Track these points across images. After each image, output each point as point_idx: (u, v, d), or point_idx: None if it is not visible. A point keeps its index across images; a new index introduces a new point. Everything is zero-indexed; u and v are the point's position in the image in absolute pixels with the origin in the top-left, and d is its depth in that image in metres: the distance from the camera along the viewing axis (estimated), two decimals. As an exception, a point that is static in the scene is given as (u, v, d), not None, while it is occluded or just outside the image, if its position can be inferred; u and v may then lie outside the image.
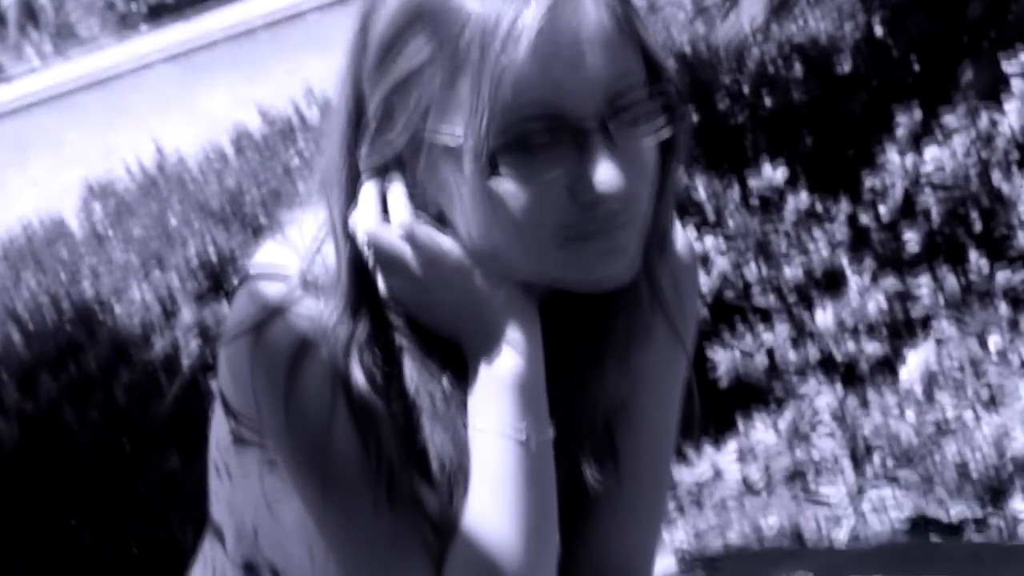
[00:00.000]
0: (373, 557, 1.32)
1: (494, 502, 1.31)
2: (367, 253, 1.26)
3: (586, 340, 1.32)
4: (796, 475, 2.57)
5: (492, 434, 1.30)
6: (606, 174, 1.18)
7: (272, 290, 1.27)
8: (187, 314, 3.01)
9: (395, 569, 1.32)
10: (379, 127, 1.22)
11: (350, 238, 1.25)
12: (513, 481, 1.31)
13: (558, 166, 1.18)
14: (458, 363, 1.30)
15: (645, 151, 1.22)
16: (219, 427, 1.40)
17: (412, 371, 1.29)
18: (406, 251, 1.25)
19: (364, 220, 1.25)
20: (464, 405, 1.30)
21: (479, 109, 1.16)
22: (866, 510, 2.37)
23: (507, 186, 1.19)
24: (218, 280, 3.13)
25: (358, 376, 1.26)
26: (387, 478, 1.29)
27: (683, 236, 1.43)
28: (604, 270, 1.22)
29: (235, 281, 3.10)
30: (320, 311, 1.25)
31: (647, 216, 1.25)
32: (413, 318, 1.28)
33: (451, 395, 1.30)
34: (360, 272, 1.26)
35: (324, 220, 1.28)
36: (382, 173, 1.25)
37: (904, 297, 2.89)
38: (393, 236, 1.24)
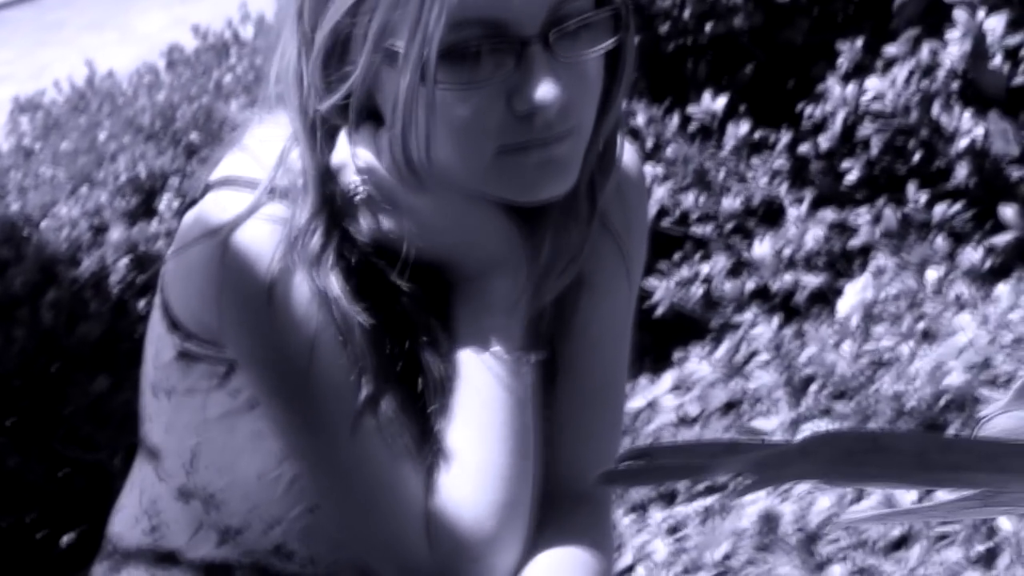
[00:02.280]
0: (359, 475, 1.29)
1: (481, 424, 1.30)
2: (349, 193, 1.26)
3: (528, 254, 1.31)
4: (731, 407, 2.57)
5: (480, 354, 1.30)
6: (544, 86, 1.17)
7: (240, 198, 1.26)
8: (116, 233, 2.94)
9: (381, 487, 1.30)
10: (330, 54, 1.21)
11: (317, 152, 1.25)
12: (500, 402, 1.30)
13: (497, 76, 1.18)
14: (424, 282, 1.29)
15: (588, 65, 1.21)
16: (158, 345, 1.37)
17: (384, 286, 1.27)
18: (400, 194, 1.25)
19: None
20: (436, 325, 1.30)
21: (422, 19, 1.14)
22: (802, 442, 2.36)
23: (447, 96, 1.18)
24: (148, 198, 3.07)
25: (335, 284, 1.25)
26: (371, 391, 1.27)
27: (633, 155, 1.44)
28: (541, 183, 1.23)
29: (164, 199, 3.05)
30: (290, 217, 1.24)
31: (589, 131, 1.24)
32: (379, 241, 1.27)
33: (423, 314, 1.30)
34: (327, 186, 1.25)
35: (287, 133, 1.26)
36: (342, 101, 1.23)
37: (842, 229, 2.88)
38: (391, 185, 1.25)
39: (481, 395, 1.30)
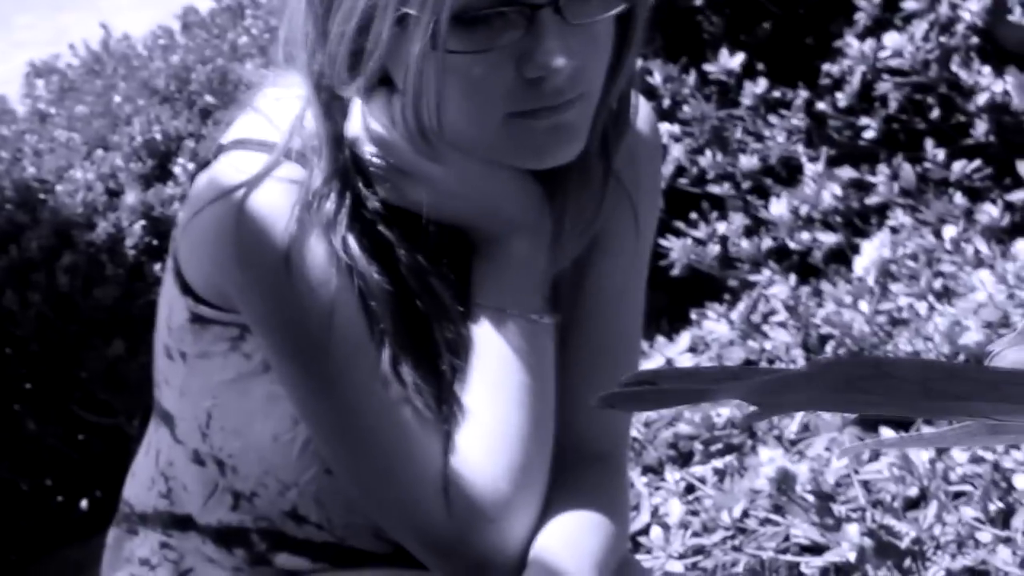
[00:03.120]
0: (376, 439, 1.29)
1: (498, 385, 1.30)
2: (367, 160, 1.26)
3: (549, 216, 1.31)
4: (748, 366, 2.56)
5: (500, 316, 1.30)
6: (553, 51, 1.17)
7: (254, 159, 1.26)
8: (131, 197, 2.94)
9: (398, 451, 1.29)
10: (345, 21, 1.20)
11: (330, 116, 1.25)
12: (519, 364, 1.30)
13: (507, 41, 1.17)
14: (442, 246, 1.30)
15: (598, 28, 1.20)
16: (172, 308, 1.37)
17: (399, 249, 1.28)
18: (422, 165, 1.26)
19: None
20: (453, 288, 1.30)
21: None
22: (818, 401, 2.35)
23: (458, 61, 1.17)
24: (163, 161, 3.07)
25: (352, 246, 1.25)
26: (389, 354, 1.27)
27: (648, 113, 1.44)
28: (550, 148, 1.23)
29: (180, 162, 3.03)
30: (305, 179, 1.24)
31: (598, 96, 1.24)
32: (393, 205, 1.27)
33: (441, 274, 1.30)
34: (340, 151, 1.25)
35: (303, 95, 1.26)
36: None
37: (860, 186, 2.87)
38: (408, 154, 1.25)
39: (500, 357, 1.30)
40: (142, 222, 2.93)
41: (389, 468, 1.30)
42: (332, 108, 1.26)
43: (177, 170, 3.02)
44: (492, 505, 1.29)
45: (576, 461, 1.35)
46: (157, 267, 2.87)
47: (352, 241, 1.25)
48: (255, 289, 1.28)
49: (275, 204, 1.25)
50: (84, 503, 2.92)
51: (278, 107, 1.29)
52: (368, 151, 1.28)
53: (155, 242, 2.90)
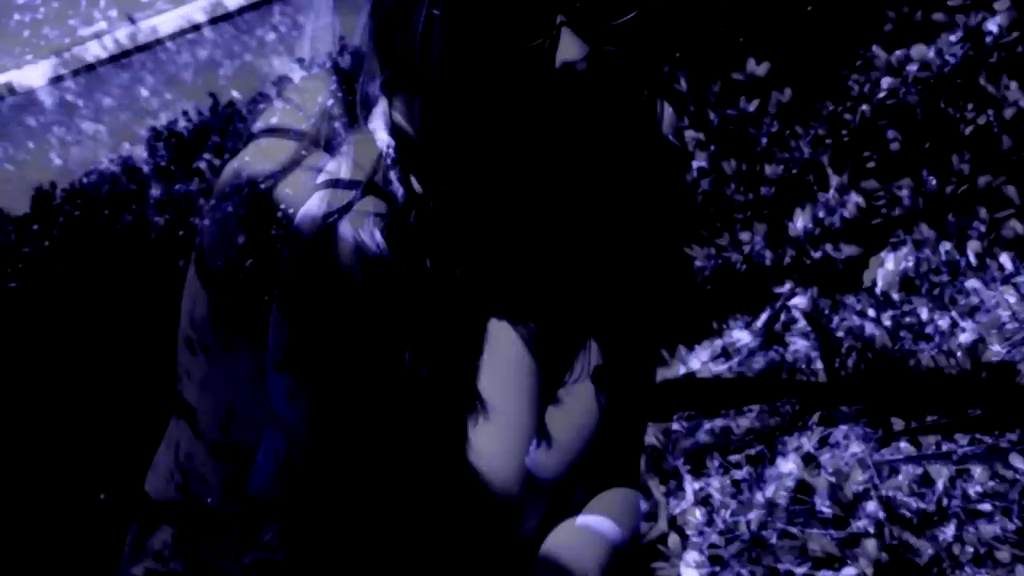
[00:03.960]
0: (389, 427, 1.31)
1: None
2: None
3: None
4: (769, 375, 2.56)
5: (619, 353, 1.35)
6: (573, 50, 1.20)
7: (282, 146, 1.28)
8: (157, 190, 2.95)
9: (413, 440, 1.31)
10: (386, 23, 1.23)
11: (356, 110, 1.27)
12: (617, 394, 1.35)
13: (531, 41, 1.20)
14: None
15: (614, 29, 1.23)
16: (195, 300, 1.38)
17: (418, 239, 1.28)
18: None
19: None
20: (468, 281, 1.31)
21: None
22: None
23: (484, 61, 1.20)
24: (189, 154, 3.08)
25: (375, 235, 1.26)
26: (406, 342, 1.28)
27: (671, 117, 1.46)
28: None
29: (207, 157, 3.03)
30: (333, 166, 1.26)
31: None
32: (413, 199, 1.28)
33: (456, 269, 1.31)
34: (365, 144, 1.27)
35: (330, 88, 1.28)
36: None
37: (884, 198, 2.86)
38: None
39: (597, 395, 1.34)
40: (166, 215, 2.94)
41: (406, 458, 1.32)
42: (357, 102, 1.28)
43: (203, 165, 3.03)
44: (500, 503, 1.31)
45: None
46: (181, 261, 2.88)
47: (374, 231, 1.26)
48: (281, 275, 1.29)
49: (300, 193, 1.27)
50: (103, 495, 2.94)
51: (306, 96, 1.31)
52: (386, 142, 1.28)
53: (180, 233, 2.91)
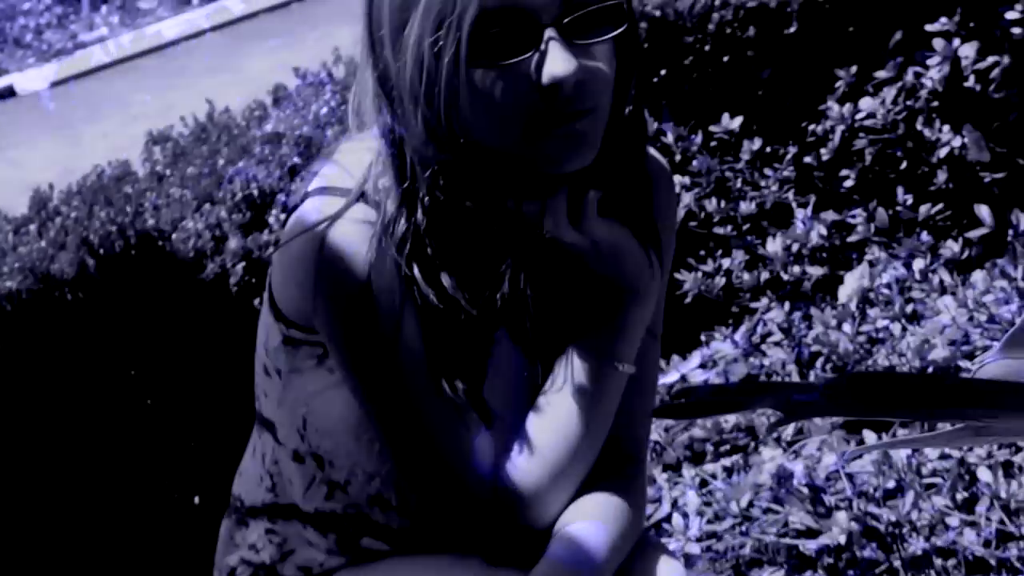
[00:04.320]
0: (432, 437, 1.28)
1: (569, 420, 1.28)
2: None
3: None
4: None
5: (596, 360, 1.29)
6: (561, 61, 1.17)
7: (333, 202, 1.26)
8: (234, 242, 2.96)
9: (452, 447, 1.28)
10: (414, 81, 1.19)
11: (398, 163, 1.23)
12: (593, 403, 1.29)
13: (521, 55, 1.17)
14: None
15: (599, 50, 1.20)
16: (268, 332, 1.36)
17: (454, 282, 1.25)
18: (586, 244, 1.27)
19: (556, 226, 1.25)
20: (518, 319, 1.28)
21: (455, 10, 1.15)
22: (810, 408, 2.34)
23: (481, 77, 1.18)
24: (259, 212, 3.08)
25: (417, 274, 1.23)
26: (445, 373, 1.25)
27: (664, 166, 1.41)
28: (565, 154, 1.21)
29: (273, 213, 3.03)
30: (377, 217, 1.23)
31: (607, 112, 1.22)
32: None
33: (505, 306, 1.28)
34: (409, 193, 1.23)
35: (374, 147, 1.25)
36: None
37: (842, 227, 2.86)
38: (575, 237, 1.26)
39: (579, 396, 1.28)
40: (243, 263, 2.94)
41: (441, 463, 1.28)
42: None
43: (271, 220, 3.03)
44: (531, 508, 1.28)
45: (608, 460, 1.35)
46: (256, 301, 2.88)
47: (417, 271, 1.24)
48: (331, 312, 1.27)
49: (349, 239, 1.25)
50: (196, 499, 2.93)
51: (353, 159, 1.29)
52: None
53: (253, 280, 2.92)
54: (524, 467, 1.28)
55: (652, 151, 1.40)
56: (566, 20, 1.17)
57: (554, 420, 1.28)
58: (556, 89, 1.18)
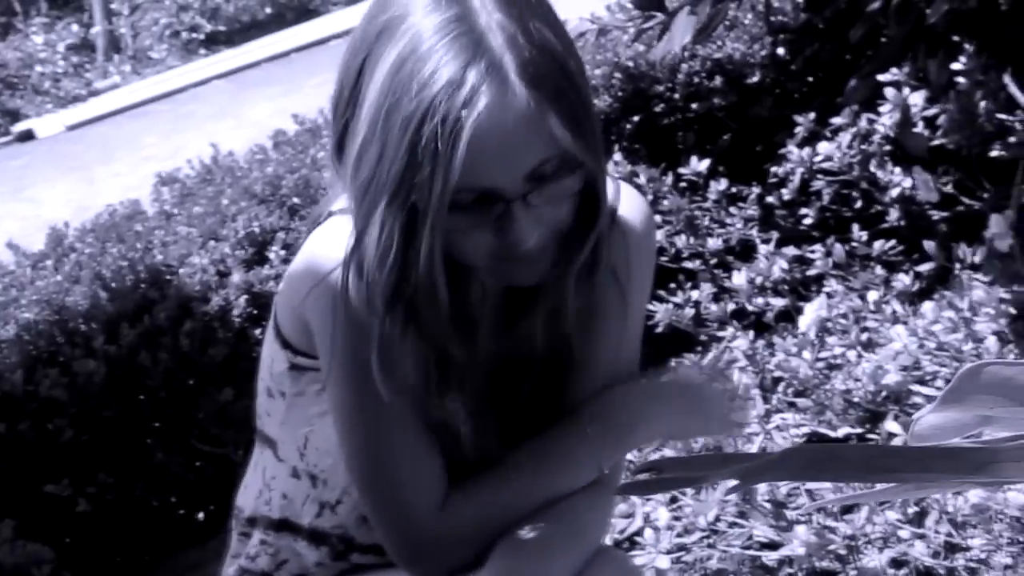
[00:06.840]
0: (390, 469, 1.28)
1: (530, 490, 1.28)
2: None
3: (526, 305, 1.31)
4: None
5: (592, 461, 1.30)
6: (525, 229, 1.17)
7: (341, 237, 1.23)
8: (237, 277, 2.97)
9: (408, 479, 1.28)
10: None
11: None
12: (566, 474, 1.30)
13: (487, 222, 1.18)
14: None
15: (562, 200, 1.20)
16: (273, 359, 1.37)
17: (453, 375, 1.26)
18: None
19: None
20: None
21: (434, 184, 1.12)
22: (772, 430, 2.36)
23: (453, 233, 1.18)
24: (261, 249, 3.09)
25: (359, 278, 1.20)
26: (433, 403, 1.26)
27: (644, 213, 1.40)
28: (519, 278, 1.25)
29: (274, 250, 3.02)
30: (368, 270, 1.20)
31: (568, 229, 1.22)
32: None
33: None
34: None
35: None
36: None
37: (802, 261, 2.88)
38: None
39: (551, 479, 1.28)
40: (245, 297, 2.95)
41: (395, 493, 1.28)
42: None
43: (272, 256, 3.05)
44: (471, 542, 1.27)
45: None
46: (258, 331, 2.89)
47: (361, 272, 1.21)
48: (326, 341, 1.27)
49: (344, 292, 1.22)
50: (201, 515, 2.93)
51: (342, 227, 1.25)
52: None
53: (255, 312, 2.92)
54: (460, 505, 1.28)
55: (629, 188, 1.40)
56: (531, 194, 1.17)
57: (510, 496, 1.27)
58: (517, 246, 1.19)
